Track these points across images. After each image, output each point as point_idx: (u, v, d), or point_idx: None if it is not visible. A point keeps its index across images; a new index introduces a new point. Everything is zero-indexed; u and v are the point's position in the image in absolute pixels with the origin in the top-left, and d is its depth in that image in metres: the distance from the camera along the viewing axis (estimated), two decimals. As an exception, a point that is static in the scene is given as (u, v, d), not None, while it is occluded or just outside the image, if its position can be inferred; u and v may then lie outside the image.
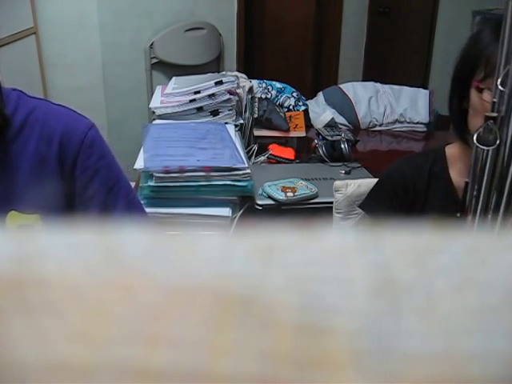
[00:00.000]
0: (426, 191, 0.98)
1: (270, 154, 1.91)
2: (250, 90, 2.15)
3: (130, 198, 0.80)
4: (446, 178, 0.98)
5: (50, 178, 0.74)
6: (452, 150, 1.00)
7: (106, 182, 0.77)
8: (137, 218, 0.81)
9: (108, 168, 0.78)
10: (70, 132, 0.75)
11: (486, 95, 0.85)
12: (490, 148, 0.66)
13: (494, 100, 0.66)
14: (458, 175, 0.97)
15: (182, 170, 1.44)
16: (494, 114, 0.66)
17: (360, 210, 1.20)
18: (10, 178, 0.72)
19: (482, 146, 0.67)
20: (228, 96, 1.90)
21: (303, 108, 2.35)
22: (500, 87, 0.64)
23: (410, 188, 0.99)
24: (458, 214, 0.74)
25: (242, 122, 1.96)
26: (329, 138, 2.00)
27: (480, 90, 0.87)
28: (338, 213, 1.32)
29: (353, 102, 2.56)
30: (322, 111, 2.53)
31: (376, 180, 1.11)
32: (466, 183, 0.72)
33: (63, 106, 0.80)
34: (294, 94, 2.39)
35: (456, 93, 0.94)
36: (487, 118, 0.66)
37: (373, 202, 1.08)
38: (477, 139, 0.67)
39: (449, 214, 0.95)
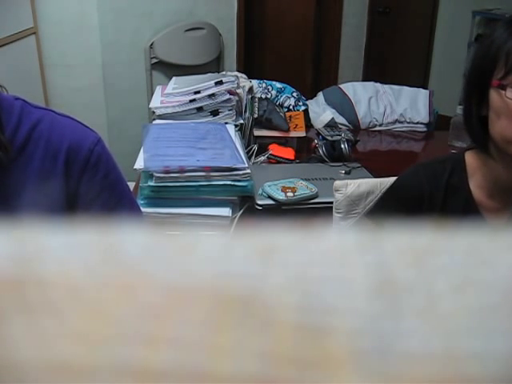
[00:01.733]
0: (443, 204, 0.90)
1: (270, 154, 1.91)
2: (250, 89, 2.15)
3: (132, 216, 0.80)
4: (466, 190, 0.89)
5: (55, 195, 0.72)
6: (472, 159, 0.91)
7: (108, 202, 0.76)
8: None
9: (112, 187, 0.77)
10: (76, 148, 0.73)
11: (510, 93, 0.80)
12: None
13: None
14: (477, 188, 0.90)
15: (182, 170, 1.44)
16: None
17: (360, 210, 1.19)
18: (13, 196, 0.70)
19: None
20: (228, 96, 1.90)
21: (303, 108, 2.35)
22: None
23: (425, 199, 0.90)
24: None
25: (241, 121, 1.96)
26: (329, 137, 2.00)
27: (503, 87, 0.81)
28: (338, 213, 1.32)
29: (353, 102, 2.56)
30: (322, 111, 2.53)
31: (377, 181, 1.09)
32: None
33: (68, 117, 0.77)
34: (294, 94, 2.39)
35: (473, 99, 0.87)
36: None
37: (381, 211, 0.98)
38: None
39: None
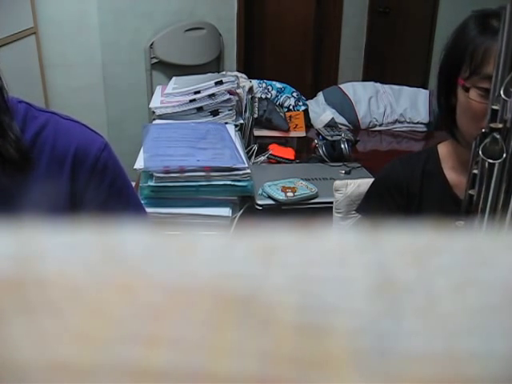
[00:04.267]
0: (421, 191, 0.97)
1: (270, 154, 1.91)
2: (250, 89, 2.15)
3: (138, 221, 0.79)
4: (441, 175, 0.97)
5: (61, 202, 0.71)
6: (444, 148, 0.99)
7: (115, 209, 0.75)
8: None
9: (118, 194, 0.76)
10: (83, 155, 0.72)
11: (473, 94, 0.83)
12: (497, 161, 0.63)
13: (496, 108, 0.63)
14: (451, 172, 0.97)
15: (182, 170, 1.44)
16: (500, 126, 0.63)
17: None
18: (17, 203, 0.69)
19: (488, 160, 0.64)
20: (228, 96, 1.90)
21: (303, 108, 2.36)
22: (504, 96, 0.61)
23: (404, 188, 0.98)
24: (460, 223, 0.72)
25: (241, 121, 1.96)
26: (329, 137, 2.00)
27: (466, 89, 0.85)
28: (338, 213, 1.32)
29: (353, 102, 2.56)
30: (322, 111, 2.53)
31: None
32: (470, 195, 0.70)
33: (73, 121, 0.75)
34: (294, 94, 2.39)
35: (443, 90, 0.92)
36: (492, 130, 0.63)
37: (369, 204, 1.06)
38: (482, 151, 0.64)
39: (447, 210, 0.94)
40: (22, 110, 0.71)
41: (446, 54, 0.93)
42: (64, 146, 0.71)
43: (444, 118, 0.94)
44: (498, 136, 0.63)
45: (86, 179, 0.72)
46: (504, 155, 0.63)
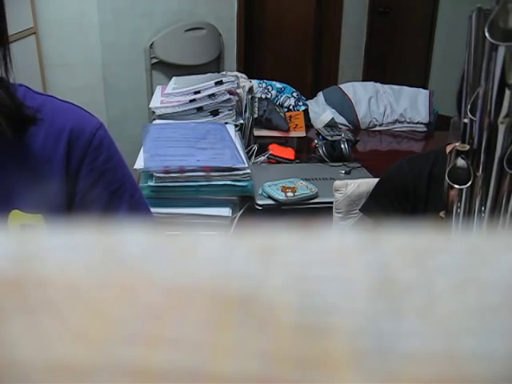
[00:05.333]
0: (427, 193, 0.95)
1: (270, 154, 1.91)
2: (250, 90, 2.15)
3: (135, 201, 0.80)
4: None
5: (55, 177, 0.73)
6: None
7: (110, 185, 0.76)
8: (140, 220, 0.81)
9: (113, 170, 0.77)
10: (79, 131, 0.74)
11: None
12: (464, 187, 0.60)
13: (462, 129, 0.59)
14: None
15: (182, 170, 1.44)
16: (467, 147, 0.59)
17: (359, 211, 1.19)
18: (12, 176, 0.71)
19: (455, 185, 0.61)
20: (228, 96, 1.90)
21: (303, 108, 2.36)
22: (470, 115, 0.57)
23: (410, 190, 0.96)
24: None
25: (241, 121, 1.96)
26: (329, 137, 2.00)
27: None
28: (338, 213, 1.32)
29: (353, 102, 2.56)
30: (322, 111, 2.53)
31: (376, 181, 1.10)
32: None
33: (70, 103, 0.78)
34: (294, 94, 2.39)
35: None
36: (458, 152, 0.60)
37: (373, 204, 1.05)
38: (448, 176, 0.61)
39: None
40: (22, 92, 0.74)
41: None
42: (60, 124, 0.73)
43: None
44: (463, 159, 0.59)
45: (80, 155, 0.74)
46: (471, 180, 0.59)
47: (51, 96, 0.78)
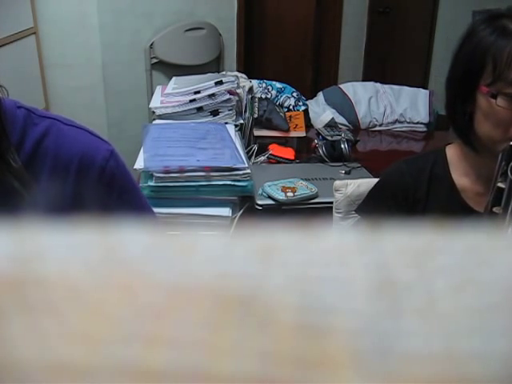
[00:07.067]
0: (427, 194, 0.94)
1: (270, 154, 1.91)
2: (250, 90, 2.15)
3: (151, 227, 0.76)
4: (448, 179, 0.93)
5: (65, 214, 0.67)
6: (453, 151, 0.95)
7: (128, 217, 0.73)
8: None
9: (128, 204, 0.72)
10: (88, 164, 0.67)
11: (501, 101, 0.79)
12: None
13: None
14: (460, 176, 0.93)
15: (182, 170, 1.44)
16: None
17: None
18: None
19: None
20: (228, 96, 1.90)
21: (303, 108, 2.35)
22: None
23: (410, 193, 0.94)
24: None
25: (241, 121, 1.96)
26: (329, 137, 2.00)
27: (493, 96, 0.80)
28: (338, 213, 1.32)
29: (353, 102, 2.56)
30: (322, 111, 2.53)
31: (375, 180, 1.09)
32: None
33: (76, 127, 0.70)
34: (294, 94, 2.39)
35: (459, 97, 0.87)
36: None
37: (370, 206, 1.02)
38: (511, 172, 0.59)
39: (452, 214, 0.92)
40: (21, 116, 0.66)
41: (457, 63, 0.88)
42: (67, 156, 0.66)
43: (458, 126, 0.89)
44: None
45: (92, 190, 0.67)
46: None
47: (55, 119, 0.69)
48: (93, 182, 0.67)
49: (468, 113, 0.87)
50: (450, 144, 0.97)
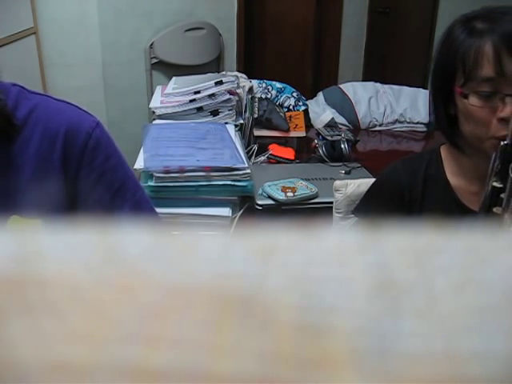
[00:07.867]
0: (423, 193, 0.94)
1: (270, 154, 1.91)
2: (250, 90, 2.15)
3: (137, 199, 0.78)
4: (443, 178, 0.94)
5: (54, 179, 0.71)
6: (446, 152, 0.96)
7: (111, 185, 0.74)
8: (144, 219, 0.79)
9: (113, 170, 0.76)
10: (74, 132, 0.72)
11: (473, 100, 0.81)
12: None
13: None
14: (453, 175, 0.94)
15: (182, 170, 1.44)
16: None
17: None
18: (10, 182, 0.69)
19: None
20: (228, 96, 1.90)
21: (303, 108, 2.35)
22: None
23: (406, 193, 0.95)
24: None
25: (241, 122, 1.96)
26: (329, 137, 2.00)
27: (465, 96, 0.82)
28: (338, 213, 1.32)
29: (353, 102, 2.56)
30: (322, 111, 2.53)
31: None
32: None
33: (65, 102, 0.76)
34: (294, 94, 2.39)
35: (440, 101, 0.89)
36: None
37: (367, 207, 1.03)
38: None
39: (449, 214, 0.93)
40: (15, 91, 0.72)
41: (436, 64, 0.89)
42: (55, 126, 0.72)
43: (444, 129, 0.91)
44: None
45: (78, 157, 0.72)
46: None
47: (47, 95, 0.76)
48: (79, 147, 0.72)
49: (452, 115, 0.88)
50: (444, 144, 0.98)
